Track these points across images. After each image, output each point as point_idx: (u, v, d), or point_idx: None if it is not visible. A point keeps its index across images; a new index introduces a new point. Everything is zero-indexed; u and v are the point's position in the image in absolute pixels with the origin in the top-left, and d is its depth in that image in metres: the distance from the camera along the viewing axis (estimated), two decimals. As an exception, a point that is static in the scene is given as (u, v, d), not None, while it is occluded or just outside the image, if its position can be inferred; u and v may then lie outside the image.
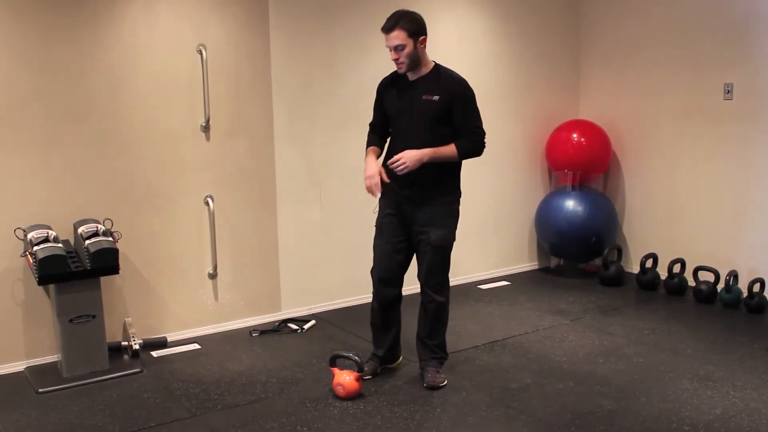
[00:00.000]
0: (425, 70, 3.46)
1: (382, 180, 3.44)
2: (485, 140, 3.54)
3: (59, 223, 3.96)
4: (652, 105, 5.53)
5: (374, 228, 3.69)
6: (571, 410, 3.35)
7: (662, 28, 5.39)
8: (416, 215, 3.52)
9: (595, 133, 5.65)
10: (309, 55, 4.71)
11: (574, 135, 5.62)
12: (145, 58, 4.15)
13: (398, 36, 3.32)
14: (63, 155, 3.98)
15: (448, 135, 3.46)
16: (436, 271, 3.58)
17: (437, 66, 3.50)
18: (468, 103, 3.47)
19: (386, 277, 3.66)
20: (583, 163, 5.58)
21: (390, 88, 3.57)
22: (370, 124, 3.72)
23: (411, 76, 3.47)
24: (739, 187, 5.04)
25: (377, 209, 3.68)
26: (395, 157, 3.39)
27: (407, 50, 3.34)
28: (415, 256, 3.68)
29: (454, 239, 3.60)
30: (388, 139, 3.67)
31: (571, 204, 5.51)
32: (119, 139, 4.13)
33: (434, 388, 3.60)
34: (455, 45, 5.35)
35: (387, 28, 3.36)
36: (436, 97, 3.40)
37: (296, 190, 4.76)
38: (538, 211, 5.78)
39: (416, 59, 3.39)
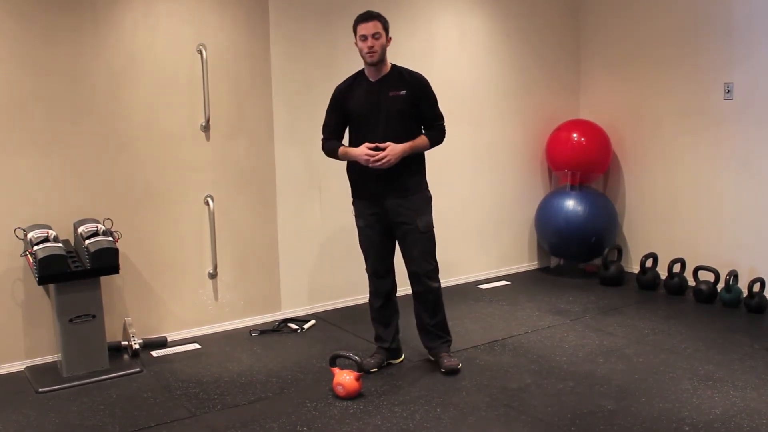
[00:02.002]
0: (386, 70, 3.65)
1: (357, 182, 3.71)
2: (445, 126, 3.79)
3: (59, 223, 3.96)
4: (652, 105, 5.53)
5: (358, 229, 3.82)
6: (571, 410, 3.35)
7: (662, 28, 5.39)
8: (399, 208, 3.65)
9: (595, 133, 5.64)
10: (309, 55, 4.71)
11: (574, 135, 5.62)
12: (145, 59, 4.16)
13: (376, 25, 3.55)
14: (63, 155, 3.98)
15: (415, 128, 3.69)
16: (429, 258, 3.74)
17: (395, 66, 3.69)
18: (433, 98, 3.71)
19: (380, 268, 3.80)
20: (583, 163, 5.58)
21: (351, 92, 3.71)
22: (326, 132, 3.77)
23: (373, 77, 3.65)
24: (739, 187, 5.04)
25: (354, 211, 3.81)
26: (379, 154, 3.51)
27: (382, 40, 3.56)
28: (400, 251, 3.78)
29: (433, 226, 3.77)
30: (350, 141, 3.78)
31: (571, 204, 5.51)
32: (119, 139, 4.13)
33: (453, 371, 3.74)
34: (455, 45, 5.35)
35: (366, 17, 3.57)
36: (403, 92, 3.61)
37: (296, 190, 4.76)
38: (538, 210, 5.78)
39: (384, 53, 3.60)
